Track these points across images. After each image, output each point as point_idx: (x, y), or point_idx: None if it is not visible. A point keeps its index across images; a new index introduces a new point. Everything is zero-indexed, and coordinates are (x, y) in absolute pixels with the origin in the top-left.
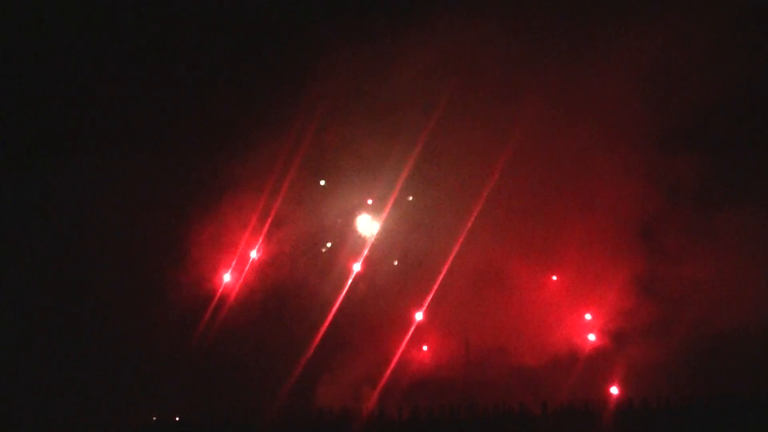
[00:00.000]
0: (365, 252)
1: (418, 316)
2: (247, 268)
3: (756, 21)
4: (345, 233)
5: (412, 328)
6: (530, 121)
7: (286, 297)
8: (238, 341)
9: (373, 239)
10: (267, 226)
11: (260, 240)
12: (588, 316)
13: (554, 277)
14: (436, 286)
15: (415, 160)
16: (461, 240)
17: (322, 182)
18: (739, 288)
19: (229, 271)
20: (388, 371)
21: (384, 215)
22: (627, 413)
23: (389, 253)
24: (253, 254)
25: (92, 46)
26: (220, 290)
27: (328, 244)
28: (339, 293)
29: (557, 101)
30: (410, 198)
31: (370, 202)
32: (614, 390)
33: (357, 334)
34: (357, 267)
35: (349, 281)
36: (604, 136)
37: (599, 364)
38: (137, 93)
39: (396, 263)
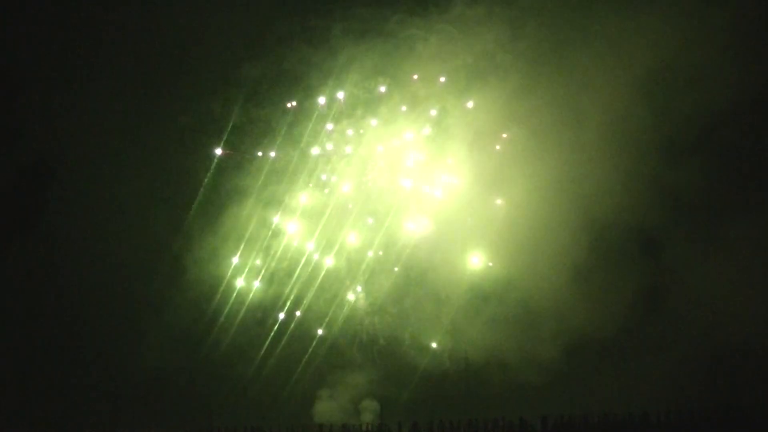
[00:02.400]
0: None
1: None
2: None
3: (763, 29)
4: (347, 248)
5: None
6: (533, 129)
7: (284, 313)
8: (238, 359)
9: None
10: (267, 239)
11: (260, 254)
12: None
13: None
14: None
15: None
16: (462, 253)
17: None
18: (741, 300)
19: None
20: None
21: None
22: (627, 427)
23: (391, 267)
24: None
25: (93, 46)
26: (219, 306)
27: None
28: (339, 309)
29: (559, 109)
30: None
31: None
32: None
33: (357, 350)
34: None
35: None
36: (608, 146)
37: (599, 378)
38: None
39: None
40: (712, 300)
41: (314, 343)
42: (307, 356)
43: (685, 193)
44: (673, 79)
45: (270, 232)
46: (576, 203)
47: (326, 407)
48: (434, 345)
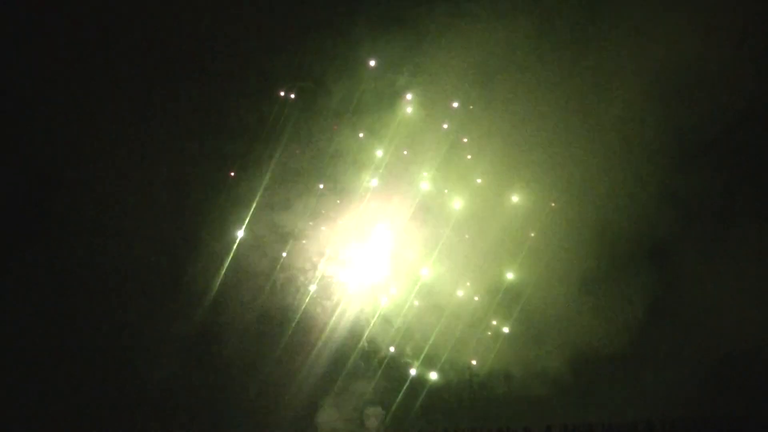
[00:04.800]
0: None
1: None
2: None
3: None
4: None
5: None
6: (539, 131)
7: (290, 321)
8: (241, 366)
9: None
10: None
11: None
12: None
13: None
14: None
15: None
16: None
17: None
18: (752, 309)
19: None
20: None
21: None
22: None
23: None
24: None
25: (95, 46)
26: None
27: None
28: (344, 317)
29: (566, 109)
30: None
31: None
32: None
33: (361, 357)
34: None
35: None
36: (618, 152)
37: (604, 387)
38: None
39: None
40: (722, 309)
41: (318, 353)
42: (310, 365)
43: (697, 201)
44: (688, 84)
45: (278, 238)
46: (585, 210)
47: (329, 416)
48: (438, 355)
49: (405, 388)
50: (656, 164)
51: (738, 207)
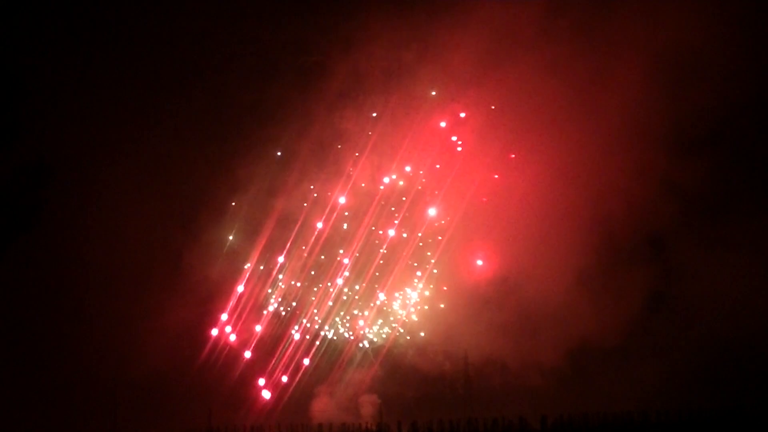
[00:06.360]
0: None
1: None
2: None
3: None
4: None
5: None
6: (537, 122)
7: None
8: (236, 359)
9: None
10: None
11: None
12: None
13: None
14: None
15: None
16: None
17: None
18: (746, 301)
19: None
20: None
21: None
22: (626, 427)
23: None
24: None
25: (91, 40)
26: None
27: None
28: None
29: (564, 100)
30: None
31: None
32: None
33: (355, 349)
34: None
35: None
36: (618, 142)
37: (601, 379)
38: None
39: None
40: (719, 301)
41: (313, 343)
42: (306, 356)
43: (695, 193)
44: (689, 74)
45: (277, 229)
46: (583, 201)
47: (325, 406)
48: (434, 346)
49: (401, 378)
50: (655, 155)
51: (737, 199)
